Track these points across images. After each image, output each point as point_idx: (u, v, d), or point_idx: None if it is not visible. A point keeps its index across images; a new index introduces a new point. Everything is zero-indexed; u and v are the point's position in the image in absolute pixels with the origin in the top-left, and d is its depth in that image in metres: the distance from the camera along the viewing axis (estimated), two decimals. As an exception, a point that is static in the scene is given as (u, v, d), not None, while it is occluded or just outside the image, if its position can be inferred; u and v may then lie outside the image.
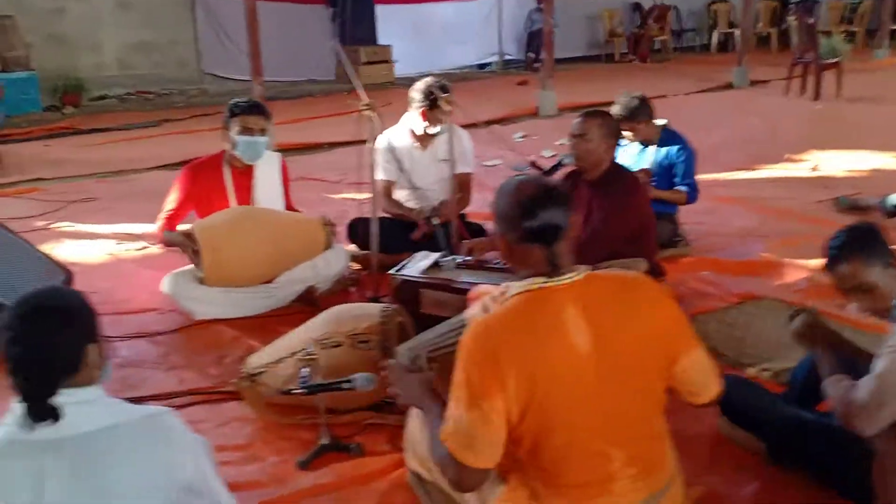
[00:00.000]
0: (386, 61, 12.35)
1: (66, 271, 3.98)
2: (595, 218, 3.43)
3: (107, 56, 10.90)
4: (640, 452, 1.87)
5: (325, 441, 2.61)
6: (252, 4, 6.94)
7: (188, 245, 3.66)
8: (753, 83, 10.87)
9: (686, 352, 1.87)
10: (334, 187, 5.97)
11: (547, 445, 1.80)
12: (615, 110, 4.15)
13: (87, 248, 4.75)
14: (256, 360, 2.93)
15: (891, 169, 6.11)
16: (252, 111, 3.82)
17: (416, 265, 3.46)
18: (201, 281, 3.67)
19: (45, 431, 1.61)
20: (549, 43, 9.02)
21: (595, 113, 3.43)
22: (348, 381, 2.41)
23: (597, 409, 1.80)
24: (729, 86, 10.48)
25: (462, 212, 4.31)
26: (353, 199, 5.73)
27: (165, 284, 3.74)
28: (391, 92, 11.22)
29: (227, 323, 3.64)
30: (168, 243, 3.83)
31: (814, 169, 6.12)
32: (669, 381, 1.89)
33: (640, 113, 4.18)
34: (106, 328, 3.43)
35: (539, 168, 3.68)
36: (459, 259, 3.44)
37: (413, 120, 4.19)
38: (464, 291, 3.19)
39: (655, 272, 3.46)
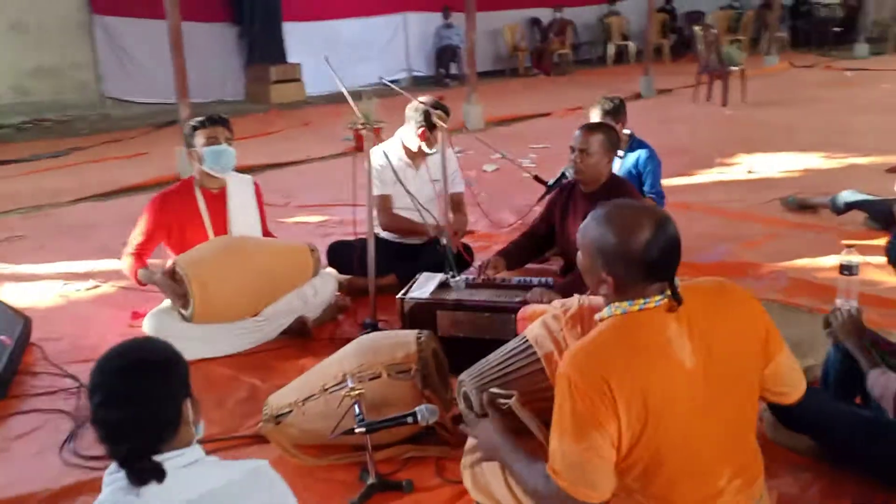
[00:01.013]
0: (296, 80, 12.10)
1: (23, 318, 3.66)
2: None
3: (0, 83, 10.16)
4: (744, 463, 1.86)
5: (372, 480, 2.46)
6: (177, 24, 6.64)
7: (169, 284, 3.42)
8: (659, 92, 11.30)
9: (778, 351, 1.86)
10: (284, 211, 5.76)
11: (660, 470, 1.75)
12: (604, 107, 4.17)
13: (32, 291, 4.35)
14: (279, 399, 2.74)
15: (820, 168, 6.46)
16: (214, 122, 3.64)
17: (424, 287, 3.35)
18: (186, 318, 3.43)
19: (153, 497, 1.44)
20: (472, 58, 9.08)
21: (596, 126, 3.45)
22: (412, 415, 2.28)
23: (707, 426, 1.76)
24: (638, 96, 10.84)
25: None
26: (307, 223, 5.58)
27: (148, 325, 3.47)
28: (306, 111, 11.02)
29: (217, 362, 3.42)
30: (145, 282, 3.55)
31: (749, 171, 6.39)
32: (762, 384, 1.87)
33: (619, 114, 4.22)
34: (84, 376, 3.24)
35: (542, 182, 3.65)
36: (466, 279, 3.36)
37: (408, 138, 4.08)
38: (482, 309, 3.16)
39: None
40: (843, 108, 9.37)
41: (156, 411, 1.50)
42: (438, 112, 3.90)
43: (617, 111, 4.19)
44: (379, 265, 3.72)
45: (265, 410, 2.72)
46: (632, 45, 15.68)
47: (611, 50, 15.62)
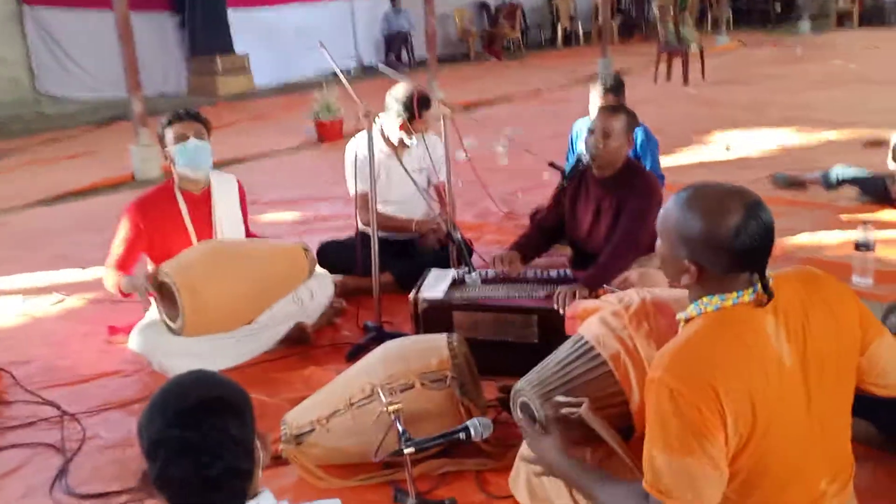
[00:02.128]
0: (244, 70, 11.65)
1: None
2: (605, 218, 3.25)
3: (-77, 82, 9.51)
4: (841, 465, 1.74)
5: (413, 501, 2.22)
6: (125, 14, 6.23)
7: (148, 288, 3.10)
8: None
9: (877, 339, 1.71)
10: (252, 209, 5.41)
11: (763, 478, 1.61)
12: (606, 84, 3.98)
13: (-11, 308, 3.97)
14: (298, 417, 2.49)
15: (795, 144, 6.44)
16: (184, 117, 3.29)
17: (436, 285, 3.12)
18: (175, 331, 3.12)
19: None
20: (433, 42, 8.84)
21: (619, 108, 3.25)
22: (464, 430, 2.05)
23: (809, 428, 1.63)
24: (596, 77, 10.75)
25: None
26: (282, 222, 5.27)
27: (135, 342, 3.16)
28: (256, 103, 10.60)
29: (213, 377, 3.12)
30: (129, 290, 3.22)
31: (727, 149, 6.32)
32: (860, 376, 1.73)
33: (621, 90, 4.04)
34: (65, 402, 2.92)
35: (558, 168, 3.43)
36: (480, 274, 3.13)
37: (388, 128, 3.82)
38: (503, 310, 2.94)
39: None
40: (800, 85, 9.43)
41: (236, 460, 1.26)
42: (429, 106, 3.72)
43: (619, 87, 4.01)
44: (369, 264, 3.46)
45: (284, 430, 2.47)
46: (580, 27, 15.64)
47: (560, 32, 15.53)
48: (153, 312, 3.25)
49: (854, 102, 8.07)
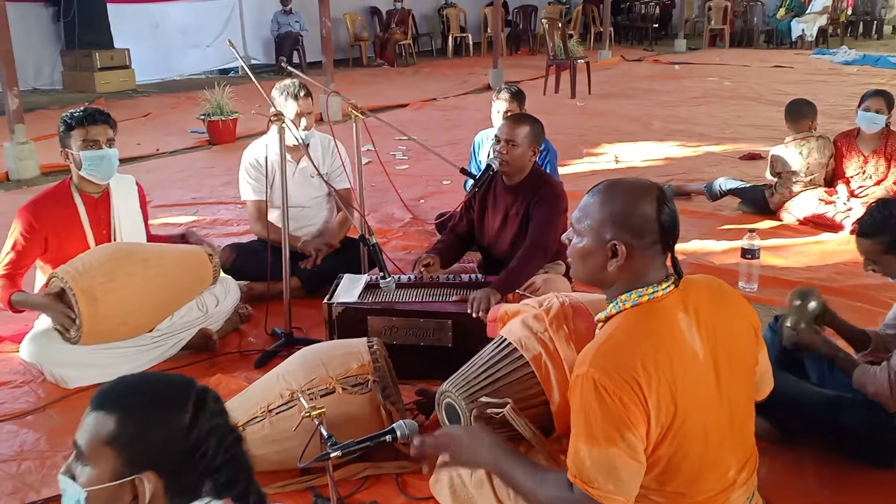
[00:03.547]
0: (125, 67, 11.15)
1: None
2: (512, 225, 3.34)
3: None
4: (746, 454, 1.87)
5: (335, 507, 2.21)
6: (1, 4, 5.82)
7: (52, 304, 2.93)
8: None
9: (762, 348, 1.88)
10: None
11: (681, 467, 1.71)
12: (511, 90, 4.06)
13: None
14: (211, 426, 2.41)
15: (678, 156, 6.77)
16: (94, 119, 3.11)
17: (350, 290, 3.11)
18: (70, 340, 2.96)
19: None
20: (329, 45, 8.74)
21: (523, 117, 3.35)
22: (391, 432, 2.05)
23: (721, 417, 1.75)
24: (488, 87, 10.93)
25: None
26: (176, 224, 5.08)
27: (25, 350, 2.98)
28: (138, 102, 10.16)
29: (113, 387, 2.98)
30: (21, 308, 3.02)
31: (616, 160, 6.58)
32: None
33: (523, 100, 4.14)
34: None
35: (470, 174, 3.47)
36: (394, 279, 3.13)
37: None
38: (418, 315, 2.96)
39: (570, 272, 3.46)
40: (680, 99, 9.94)
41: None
42: (305, 97, 3.69)
43: (521, 96, 4.12)
44: (279, 269, 3.41)
45: (195, 440, 2.38)
46: (470, 38, 15.89)
47: (451, 42, 15.72)
48: (46, 320, 3.07)
49: (730, 117, 8.58)
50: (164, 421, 1.27)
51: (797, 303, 2.45)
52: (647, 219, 1.67)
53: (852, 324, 2.58)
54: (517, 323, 2.21)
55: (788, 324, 2.46)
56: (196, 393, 1.32)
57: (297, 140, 3.57)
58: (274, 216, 3.80)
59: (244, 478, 1.34)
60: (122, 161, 3.21)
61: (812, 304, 2.44)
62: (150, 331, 3.17)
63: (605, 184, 1.77)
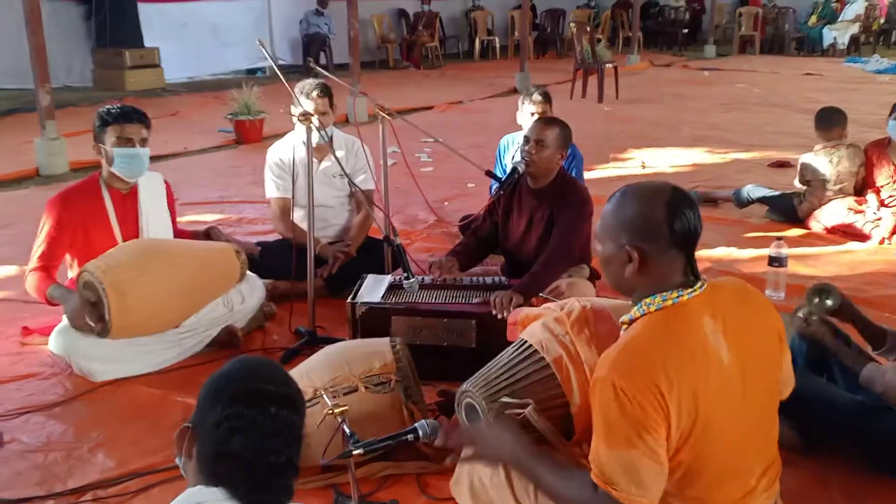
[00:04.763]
0: (155, 65, 11.27)
1: None
2: (537, 229, 3.33)
3: None
4: (770, 460, 1.86)
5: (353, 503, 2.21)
6: (34, 1, 5.91)
7: (79, 309, 2.95)
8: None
9: (785, 354, 1.87)
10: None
11: (702, 472, 1.71)
12: (541, 93, 4.05)
13: None
14: (235, 422, 2.42)
15: (706, 162, 6.72)
16: (130, 118, 3.15)
17: (374, 290, 3.12)
18: (99, 334, 2.99)
19: None
20: (357, 47, 8.78)
21: (554, 120, 3.35)
22: (413, 431, 2.05)
23: (745, 423, 1.75)
24: (514, 90, 10.92)
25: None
26: (202, 222, 5.11)
27: (54, 343, 3.02)
28: (168, 100, 10.27)
29: (140, 381, 3.04)
30: (58, 302, 3.06)
31: (643, 166, 6.54)
32: None
33: (551, 102, 4.13)
34: None
35: (495, 177, 3.47)
36: (418, 280, 3.13)
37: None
38: (441, 315, 2.96)
39: (595, 276, 3.44)
40: (709, 106, 9.86)
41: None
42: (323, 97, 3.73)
43: (550, 98, 4.11)
44: (304, 269, 3.42)
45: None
46: (498, 41, 15.89)
47: (478, 45, 15.73)
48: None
49: (759, 124, 8.50)
50: None
51: (814, 298, 2.46)
52: (656, 223, 1.67)
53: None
54: (538, 326, 2.20)
55: (801, 314, 2.47)
56: None
57: (323, 139, 3.58)
58: (297, 216, 3.82)
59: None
60: (150, 159, 3.24)
61: (828, 302, 2.43)
62: (177, 327, 3.20)
63: (621, 191, 1.78)
